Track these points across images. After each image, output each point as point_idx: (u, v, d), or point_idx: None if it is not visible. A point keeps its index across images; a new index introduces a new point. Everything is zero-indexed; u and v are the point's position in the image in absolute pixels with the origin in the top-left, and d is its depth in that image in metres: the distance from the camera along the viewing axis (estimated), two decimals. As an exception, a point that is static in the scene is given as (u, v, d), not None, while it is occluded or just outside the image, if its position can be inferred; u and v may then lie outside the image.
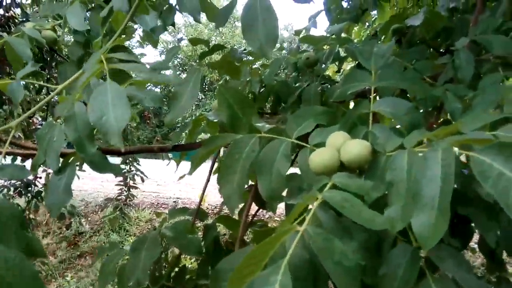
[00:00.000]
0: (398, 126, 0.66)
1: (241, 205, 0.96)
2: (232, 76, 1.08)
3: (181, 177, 1.20)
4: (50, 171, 2.70)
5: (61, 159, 0.82)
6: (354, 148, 0.55)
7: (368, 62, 0.77)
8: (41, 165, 0.83)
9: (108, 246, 1.05)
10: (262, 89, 1.32)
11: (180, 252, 1.11)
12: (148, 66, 0.89)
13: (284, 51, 2.51)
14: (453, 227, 0.63)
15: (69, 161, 0.82)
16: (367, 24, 2.55)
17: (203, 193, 1.18)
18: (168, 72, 0.88)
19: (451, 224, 0.39)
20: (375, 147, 0.57)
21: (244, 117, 0.82)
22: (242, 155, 0.66)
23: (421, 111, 0.89)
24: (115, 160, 1.31)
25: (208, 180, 1.18)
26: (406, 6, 1.98)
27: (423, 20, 1.06)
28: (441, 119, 1.05)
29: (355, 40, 2.70)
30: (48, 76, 2.52)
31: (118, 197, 4.15)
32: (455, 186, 0.41)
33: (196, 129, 1.08)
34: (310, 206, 0.50)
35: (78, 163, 0.86)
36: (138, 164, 3.91)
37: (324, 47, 1.30)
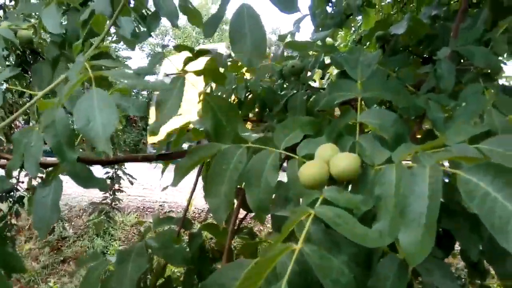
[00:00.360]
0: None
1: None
2: (217, 83, 1.07)
3: (164, 188, 1.17)
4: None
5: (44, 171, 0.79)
6: (343, 161, 0.55)
7: (354, 71, 0.76)
8: (23, 169, 0.80)
9: (89, 257, 1.02)
10: (248, 93, 1.31)
11: (166, 262, 1.09)
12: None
13: (271, 55, 2.50)
14: (437, 238, 0.64)
15: (53, 175, 0.79)
16: (353, 29, 2.57)
17: (189, 201, 1.17)
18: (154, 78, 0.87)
19: (436, 235, 0.40)
20: (363, 159, 0.57)
21: (228, 125, 0.81)
22: (229, 166, 0.65)
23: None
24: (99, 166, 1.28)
25: (195, 186, 1.16)
26: (391, 12, 2.01)
27: (406, 28, 1.07)
28: (425, 127, 1.06)
29: (341, 45, 2.72)
30: (31, 80, 2.45)
31: (103, 201, 4.07)
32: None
33: (181, 137, 1.06)
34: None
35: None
36: (124, 168, 3.84)
37: (310, 53, 1.29)
